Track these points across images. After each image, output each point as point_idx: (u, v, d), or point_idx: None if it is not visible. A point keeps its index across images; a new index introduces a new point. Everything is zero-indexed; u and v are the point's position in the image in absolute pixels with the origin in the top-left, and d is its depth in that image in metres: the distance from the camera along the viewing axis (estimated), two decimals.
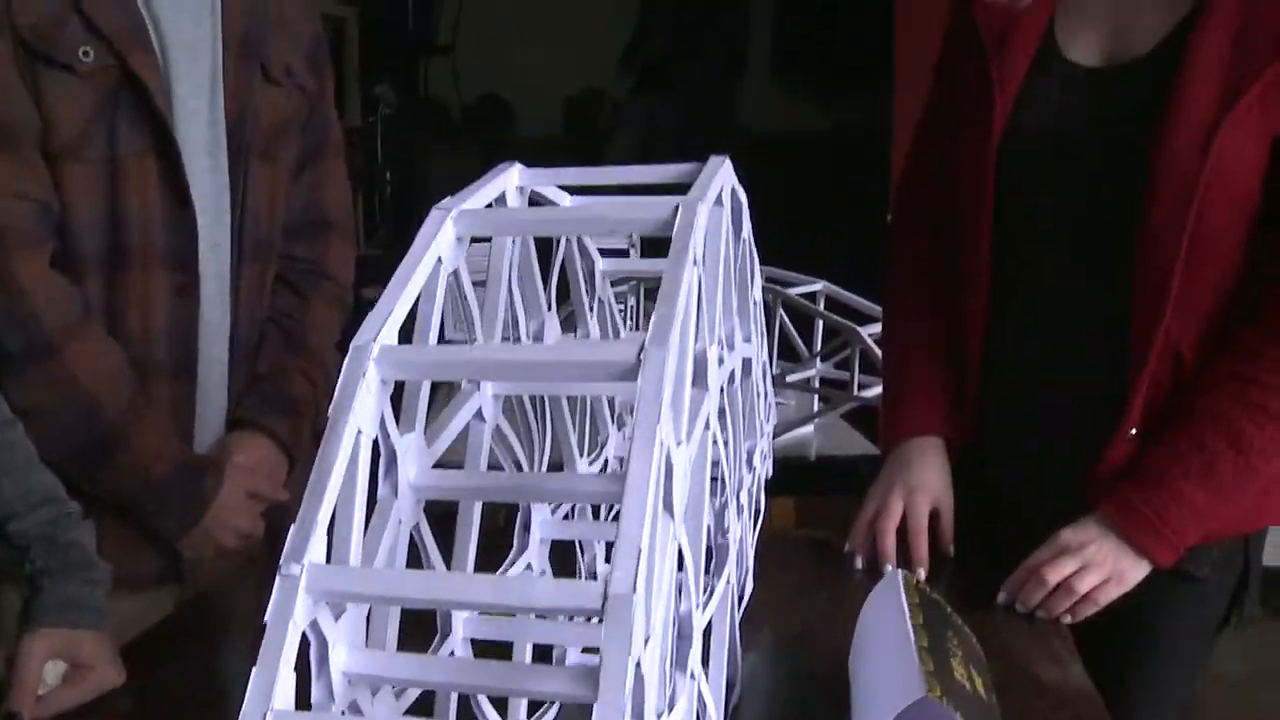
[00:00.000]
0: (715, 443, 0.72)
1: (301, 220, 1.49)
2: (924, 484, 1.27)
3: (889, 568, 1.23)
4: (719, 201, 0.69)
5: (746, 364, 0.93)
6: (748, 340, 0.92)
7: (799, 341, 1.82)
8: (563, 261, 0.88)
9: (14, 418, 1.08)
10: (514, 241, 0.75)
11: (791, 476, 1.67)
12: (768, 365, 1.05)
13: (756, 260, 0.94)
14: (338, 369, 1.60)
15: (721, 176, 0.69)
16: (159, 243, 1.29)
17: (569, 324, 0.93)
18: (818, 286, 1.82)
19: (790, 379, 1.72)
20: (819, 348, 1.80)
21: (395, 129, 5.25)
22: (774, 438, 1.41)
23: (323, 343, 1.49)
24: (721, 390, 0.75)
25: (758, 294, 0.96)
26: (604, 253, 0.97)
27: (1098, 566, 1.14)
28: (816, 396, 1.79)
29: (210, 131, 1.33)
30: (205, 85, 1.33)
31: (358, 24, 6.29)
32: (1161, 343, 1.15)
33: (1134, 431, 1.17)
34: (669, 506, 0.53)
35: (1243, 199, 1.13)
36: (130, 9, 1.26)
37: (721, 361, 0.73)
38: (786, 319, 1.78)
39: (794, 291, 1.75)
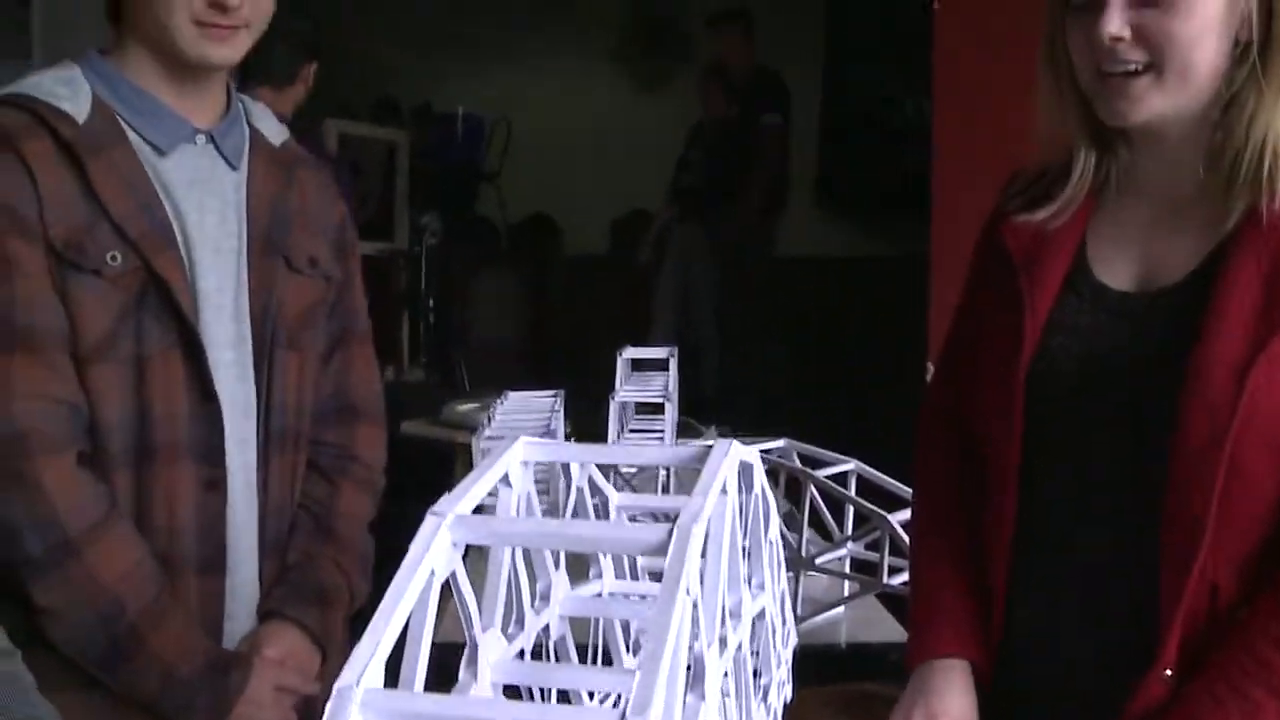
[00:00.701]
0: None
1: (330, 406, 1.50)
2: (946, 710, 1.23)
3: None
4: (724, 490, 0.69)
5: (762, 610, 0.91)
6: (762, 587, 0.90)
7: (830, 520, 1.80)
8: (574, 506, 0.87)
9: (13, 648, 1.08)
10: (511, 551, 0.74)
11: (821, 664, 1.64)
12: (787, 597, 1.03)
13: (773, 503, 0.93)
14: (369, 552, 1.60)
15: (725, 470, 0.68)
16: (185, 438, 1.30)
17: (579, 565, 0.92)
18: (849, 466, 1.81)
19: (820, 560, 1.70)
20: (850, 530, 1.78)
21: (443, 255, 5.32)
22: (802, 621, 1.39)
23: (353, 530, 1.49)
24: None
25: (774, 534, 0.95)
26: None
27: None
28: (846, 581, 1.77)
29: (235, 326, 1.35)
30: (230, 281, 1.35)
31: (408, 149, 6.44)
32: (1196, 582, 1.09)
33: (1168, 673, 1.13)
34: None
35: (1275, 438, 1.09)
36: (157, 212, 1.29)
37: (724, 644, 0.72)
38: (817, 496, 1.77)
39: (825, 473, 1.73)
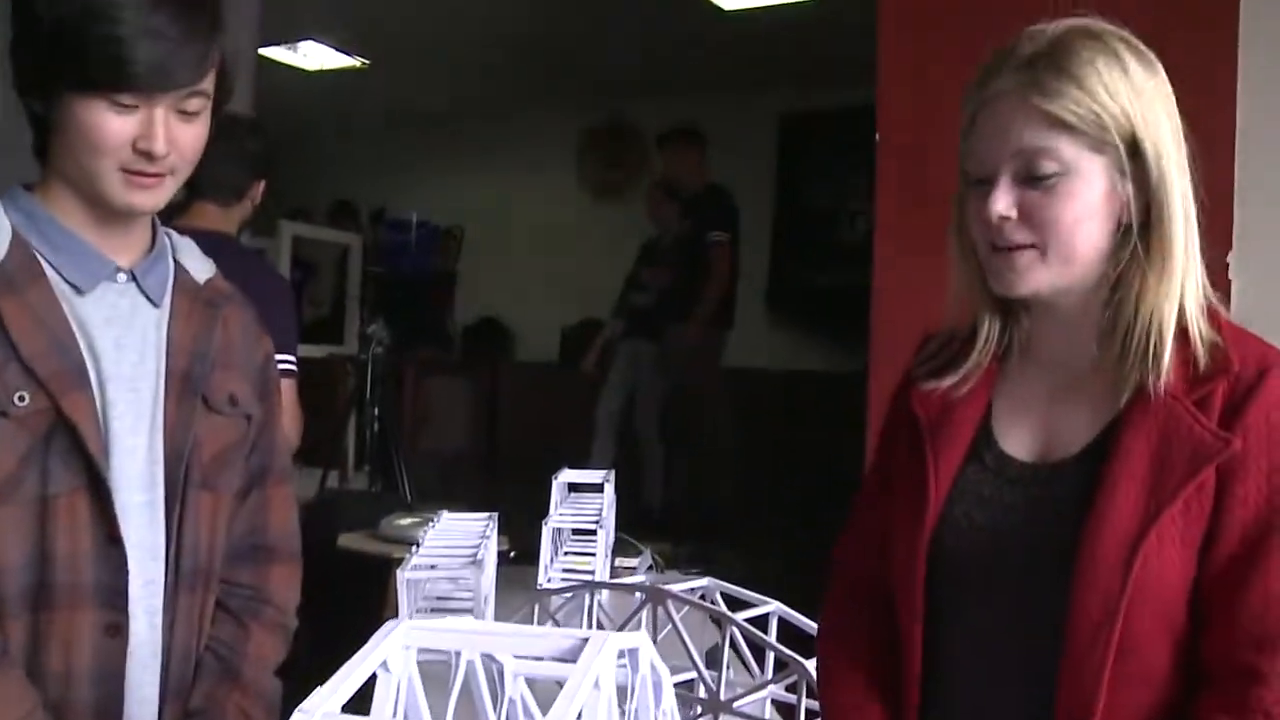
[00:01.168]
0: None
1: (244, 546, 1.47)
2: None
3: None
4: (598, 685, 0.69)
5: None
6: None
7: (752, 661, 1.79)
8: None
9: None
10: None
11: None
12: None
13: (665, 680, 0.93)
14: (276, 697, 1.55)
15: (599, 665, 0.68)
16: (88, 581, 1.28)
17: None
18: (770, 608, 1.81)
19: (739, 705, 1.69)
20: (770, 672, 1.77)
21: (391, 362, 5.31)
22: None
23: (261, 674, 1.46)
24: None
25: (667, 705, 0.94)
26: None
27: None
28: None
29: (147, 467, 1.33)
30: (145, 422, 1.33)
31: (361, 252, 6.47)
32: None
33: None
34: None
35: (1168, 611, 1.11)
36: (70, 352, 1.27)
37: None
38: (739, 636, 1.76)
39: (744, 616, 1.73)
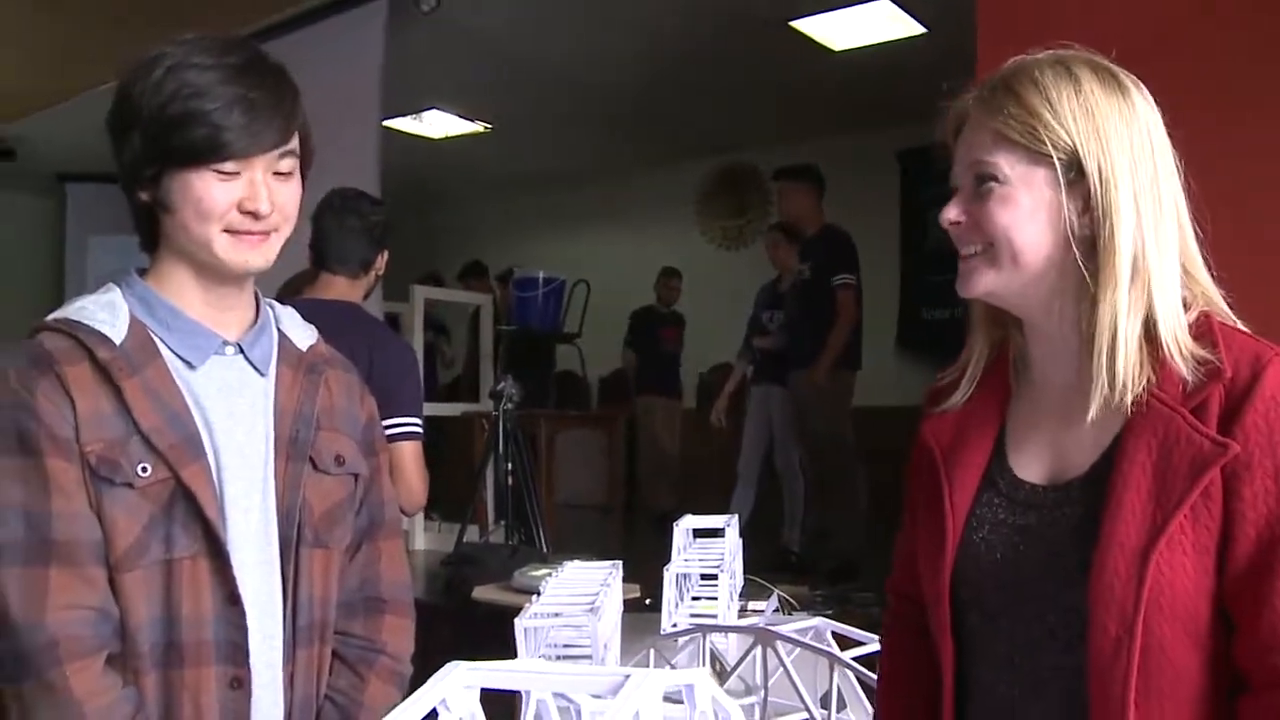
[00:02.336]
0: None
1: (357, 599, 1.54)
2: None
3: None
4: None
5: None
6: None
7: (865, 701, 1.78)
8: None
9: None
10: None
11: None
12: None
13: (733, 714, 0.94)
14: None
15: (638, 700, 0.71)
16: (211, 638, 1.35)
17: None
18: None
19: None
20: None
21: (524, 417, 5.41)
22: None
23: None
24: None
25: None
26: None
27: None
28: None
29: (262, 527, 1.41)
30: (257, 485, 1.42)
31: (491, 311, 6.62)
32: None
33: None
34: None
35: (1189, 620, 1.10)
36: (186, 425, 1.36)
37: None
38: (851, 677, 1.75)
39: (853, 655, 1.72)
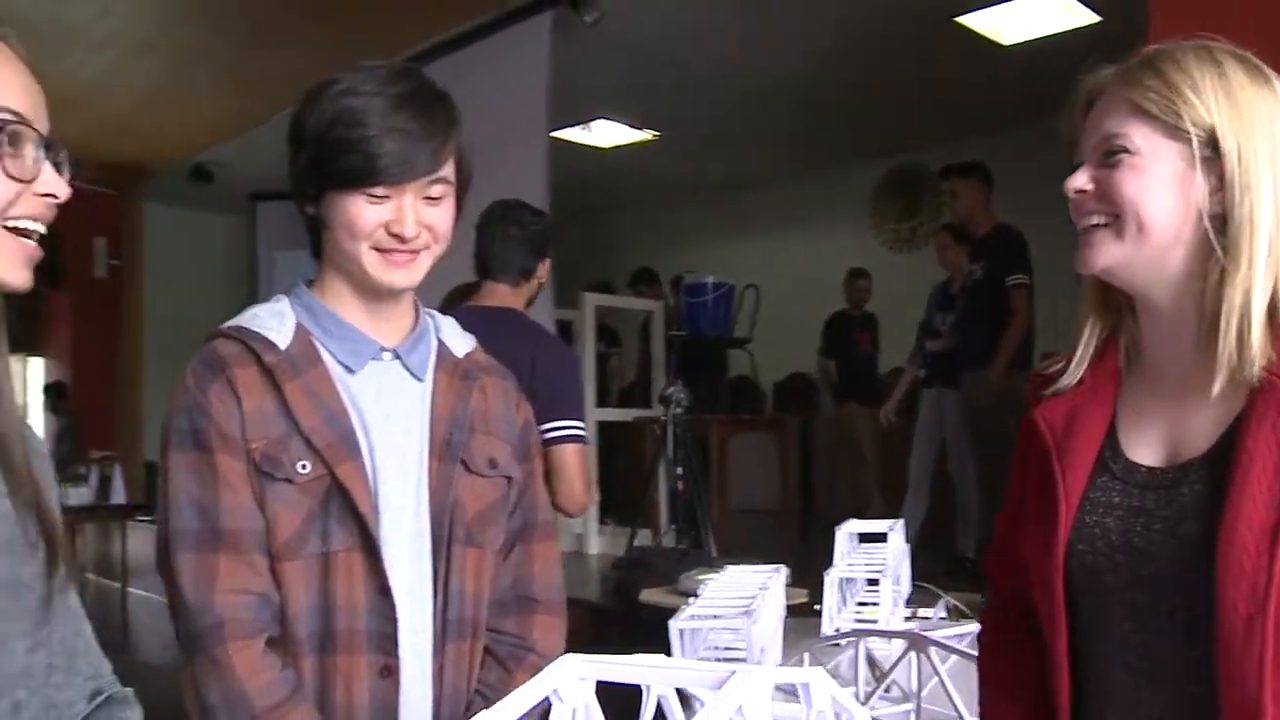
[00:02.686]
0: None
1: (510, 597, 1.59)
2: None
3: None
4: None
5: None
6: None
7: None
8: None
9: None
10: None
11: None
12: None
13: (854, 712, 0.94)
14: None
15: (741, 696, 0.71)
16: (363, 628, 1.42)
17: None
18: None
19: None
20: None
21: (696, 421, 5.44)
22: None
23: None
24: None
25: None
26: None
27: None
28: None
29: (415, 525, 1.47)
30: (411, 485, 1.48)
31: (663, 318, 6.68)
32: None
33: None
34: None
35: None
36: (344, 426, 1.44)
37: None
38: None
39: None
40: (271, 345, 1.45)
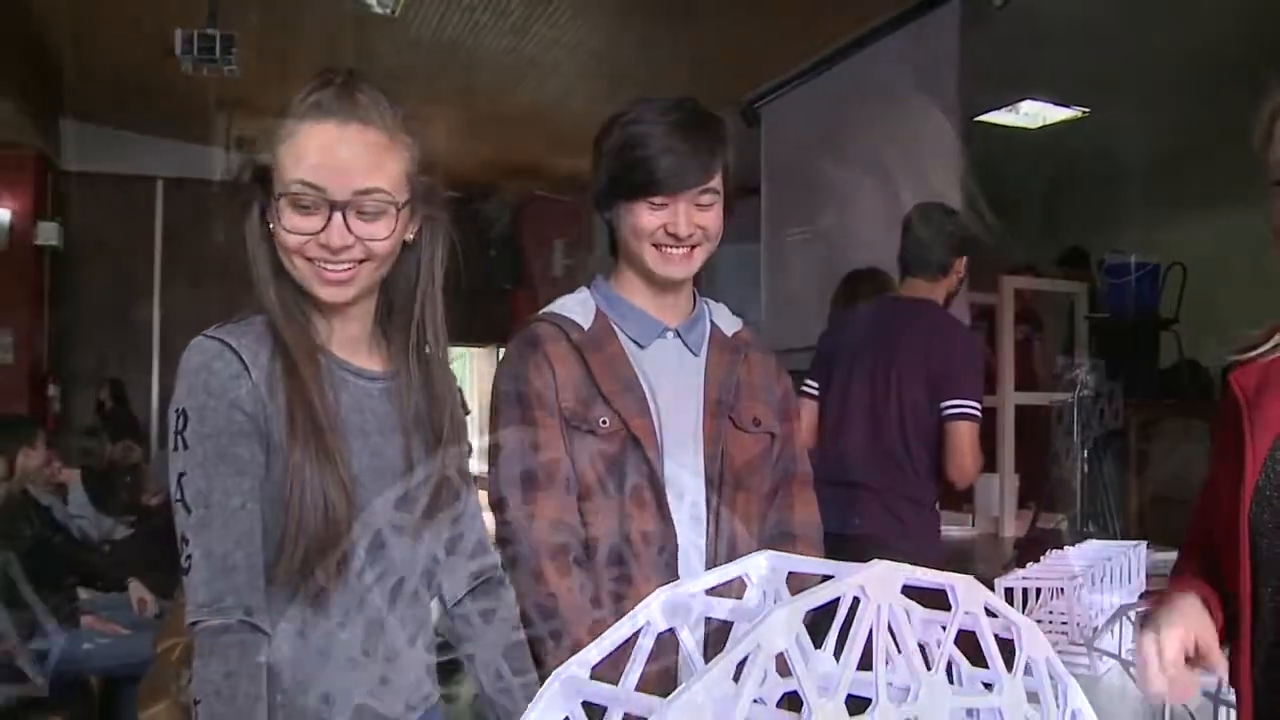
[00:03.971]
0: None
1: (774, 533, 1.88)
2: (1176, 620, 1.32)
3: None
4: None
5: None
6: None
7: None
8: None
9: None
10: None
11: None
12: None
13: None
14: None
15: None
16: (651, 556, 1.75)
17: None
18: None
19: None
20: None
21: (1112, 406, 5.31)
22: None
23: None
24: None
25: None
26: None
27: None
28: None
29: (693, 471, 1.79)
30: (689, 436, 1.81)
31: (1087, 300, 6.52)
32: None
33: None
34: None
35: None
36: (636, 390, 1.78)
37: None
38: None
39: None
40: (577, 325, 1.80)
